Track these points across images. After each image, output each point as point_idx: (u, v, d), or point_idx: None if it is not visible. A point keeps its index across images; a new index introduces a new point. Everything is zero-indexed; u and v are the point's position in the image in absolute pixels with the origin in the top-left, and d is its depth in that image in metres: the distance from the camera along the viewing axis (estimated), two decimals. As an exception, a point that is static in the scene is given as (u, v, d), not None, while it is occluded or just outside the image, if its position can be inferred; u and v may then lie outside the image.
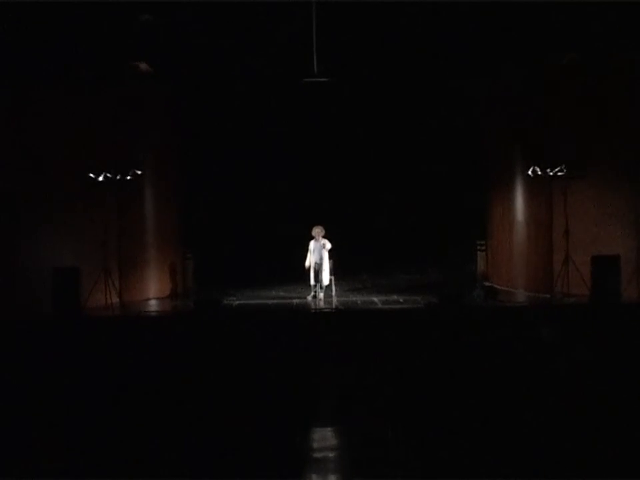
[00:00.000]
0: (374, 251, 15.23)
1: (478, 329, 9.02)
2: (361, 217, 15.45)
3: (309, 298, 12.41)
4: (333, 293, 12.65)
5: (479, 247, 14.64)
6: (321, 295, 12.34)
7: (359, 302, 12.07)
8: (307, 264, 12.37)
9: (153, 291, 13.30)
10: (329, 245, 12.26)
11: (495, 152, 13.99)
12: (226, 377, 7.04)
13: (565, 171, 11.63)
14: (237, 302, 12.45)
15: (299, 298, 12.61)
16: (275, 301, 12.50)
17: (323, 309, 11.61)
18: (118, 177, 11.64)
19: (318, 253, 12.28)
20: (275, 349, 8.27)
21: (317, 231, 12.36)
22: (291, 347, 8.43)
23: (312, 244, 12.39)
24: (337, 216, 14.92)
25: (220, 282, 14.34)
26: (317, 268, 12.29)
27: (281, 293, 13.45)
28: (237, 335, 9.27)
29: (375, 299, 12.25)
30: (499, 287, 13.01)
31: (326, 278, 12.30)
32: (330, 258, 12.42)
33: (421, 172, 15.34)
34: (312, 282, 12.38)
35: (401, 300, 12.08)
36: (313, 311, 11.59)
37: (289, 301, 12.47)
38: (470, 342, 8.25)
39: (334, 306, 11.70)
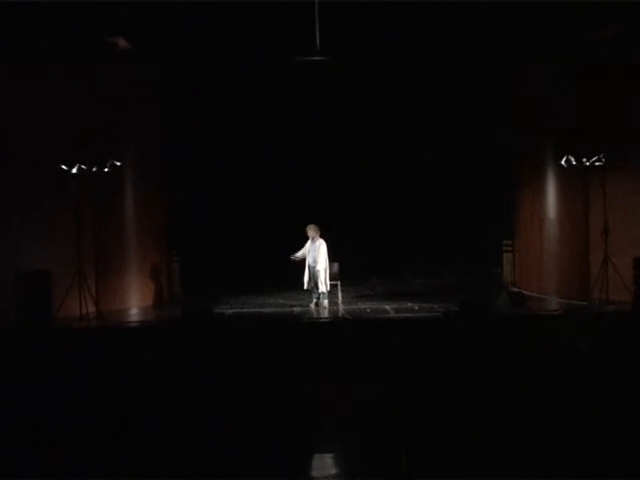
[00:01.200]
0: (385, 252, 15.22)
1: (503, 340, 8.97)
2: (370, 215, 15.44)
3: (312, 306, 12.43)
4: (339, 300, 12.64)
5: (504, 248, 14.62)
6: (325, 303, 12.33)
7: (368, 310, 12.05)
8: (297, 254, 12.36)
9: (135, 299, 13.29)
10: (323, 255, 12.22)
11: (522, 140, 13.93)
12: (217, 395, 7.01)
13: (603, 160, 11.54)
14: (231, 310, 12.45)
15: (300, 306, 12.63)
16: (274, 310, 12.50)
17: (328, 318, 11.62)
18: (94, 169, 11.60)
19: (312, 255, 12.29)
20: (272, 364, 8.24)
21: (309, 230, 12.34)
22: (292, 362, 8.40)
23: (309, 244, 12.38)
24: (344, 214, 14.96)
25: (211, 288, 14.39)
26: (311, 272, 12.31)
27: (280, 301, 13.46)
28: (230, 347, 9.23)
29: (387, 307, 12.24)
30: (527, 292, 12.96)
31: (322, 285, 12.26)
32: (335, 260, 12.42)
33: (438, 164, 15.33)
34: (305, 286, 12.40)
35: (416, 308, 12.07)
36: (316, 320, 11.59)
37: (289, 309, 12.48)
38: (494, 356, 8.20)
39: (340, 315, 11.69)
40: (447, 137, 15.18)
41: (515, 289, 13.45)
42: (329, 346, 9.45)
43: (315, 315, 11.95)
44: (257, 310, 12.52)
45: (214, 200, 15.25)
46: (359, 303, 12.84)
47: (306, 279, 12.36)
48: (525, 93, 13.72)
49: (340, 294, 12.75)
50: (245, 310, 12.55)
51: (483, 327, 10.06)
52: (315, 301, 12.46)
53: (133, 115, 13.15)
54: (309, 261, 12.32)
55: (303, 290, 12.59)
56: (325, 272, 12.24)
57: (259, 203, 15.36)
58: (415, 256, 15.34)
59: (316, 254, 12.24)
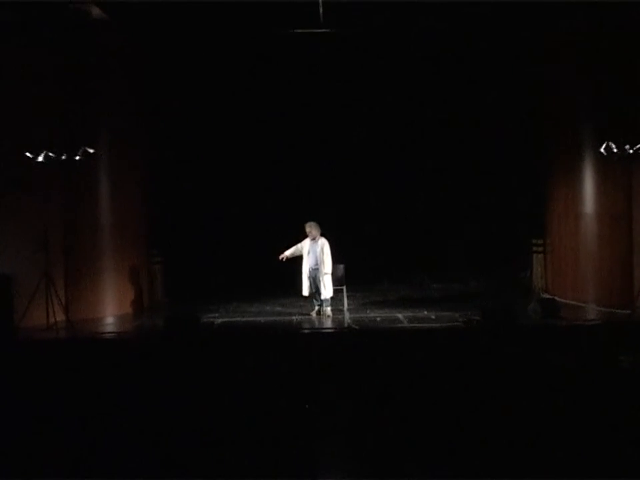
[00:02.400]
0: (398, 253, 15.17)
1: (534, 354, 8.93)
2: (381, 212, 15.41)
3: (313, 314, 12.45)
4: (345, 307, 12.58)
5: (535, 248, 14.55)
6: (329, 311, 12.29)
7: (378, 319, 12.07)
8: (287, 253, 12.37)
9: (111, 306, 13.27)
10: (329, 256, 12.18)
11: (555, 123, 13.84)
12: (204, 416, 6.98)
13: (650, 147, 11.50)
14: (220, 319, 12.45)
15: (300, 314, 12.66)
16: (270, 318, 12.52)
17: (332, 328, 11.62)
18: (63, 157, 11.56)
19: (314, 256, 12.26)
20: (268, 381, 8.21)
21: (310, 229, 12.28)
22: (290, 379, 8.37)
23: (308, 244, 12.33)
24: (350, 211, 14.92)
25: (198, 293, 14.36)
26: (313, 275, 12.29)
27: (278, 308, 13.53)
28: (218, 362, 9.21)
29: (399, 315, 12.25)
30: (561, 299, 12.89)
31: (326, 289, 12.21)
32: (340, 262, 12.37)
33: (457, 152, 15.26)
34: (305, 292, 12.42)
35: (433, 317, 12.08)
36: (318, 331, 11.58)
37: (287, 318, 12.50)
38: (523, 371, 8.15)
39: (346, 324, 11.66)
40: (469, 124, 15.08)
41: (547, 295, 13.39)
42: (333, 360, 9.41)
43: (317, 325, 11.96)
44: (250, 319, 12.51)
45: (202, 194, 15.15)
46: (368, 311, 12.88)
47: (306, 283, 12.28)
48: (559, 73, 13.59)
49: (345, 300, 12.69)
50: (237, 319, 12.55)
51: (509, 339, 10.02)
52: (316, 308, 12.46)
53: (110, 96, 13.08)
54: (309, 264, 12.26)
55: (303, 296, 12.56)
56: (330, 275, 12.19)
57: (254, 197, 15.27)
58: (432, 257, 15.28)
59: (319, 255, 12.19)
